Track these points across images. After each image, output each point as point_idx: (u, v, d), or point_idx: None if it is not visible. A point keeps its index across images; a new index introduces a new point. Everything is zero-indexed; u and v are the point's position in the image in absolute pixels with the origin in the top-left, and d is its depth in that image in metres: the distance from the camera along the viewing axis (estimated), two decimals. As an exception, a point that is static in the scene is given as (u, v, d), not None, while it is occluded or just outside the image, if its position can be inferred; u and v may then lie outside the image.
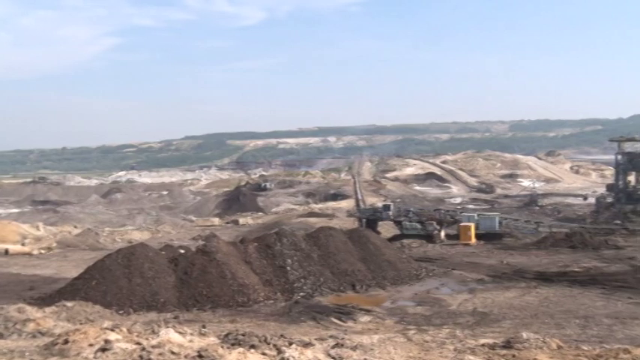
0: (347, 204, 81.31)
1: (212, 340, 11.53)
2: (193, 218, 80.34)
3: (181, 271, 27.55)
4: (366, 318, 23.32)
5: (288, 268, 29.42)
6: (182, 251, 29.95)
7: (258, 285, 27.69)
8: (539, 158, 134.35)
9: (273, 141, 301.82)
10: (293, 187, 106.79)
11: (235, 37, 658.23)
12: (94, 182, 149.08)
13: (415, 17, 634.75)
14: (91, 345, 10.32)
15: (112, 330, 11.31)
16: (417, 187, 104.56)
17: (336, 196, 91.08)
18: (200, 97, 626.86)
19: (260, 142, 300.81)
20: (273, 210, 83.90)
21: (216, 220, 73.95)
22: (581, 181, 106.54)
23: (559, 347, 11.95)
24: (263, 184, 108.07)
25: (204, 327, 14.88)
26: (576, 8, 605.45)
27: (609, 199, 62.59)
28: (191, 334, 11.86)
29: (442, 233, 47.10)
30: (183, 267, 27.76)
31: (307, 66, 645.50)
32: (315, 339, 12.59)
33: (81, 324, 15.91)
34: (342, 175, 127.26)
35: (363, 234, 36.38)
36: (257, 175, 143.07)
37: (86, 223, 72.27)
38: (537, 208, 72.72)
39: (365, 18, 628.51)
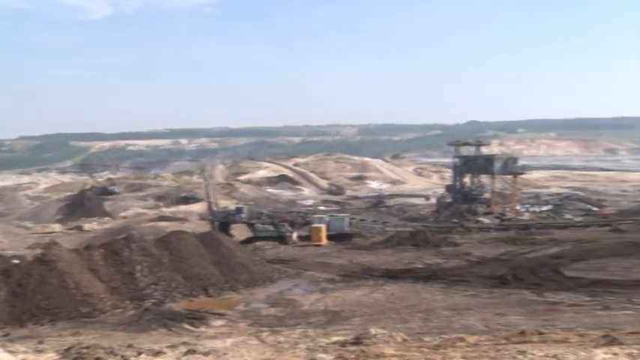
0: (199, 207, 79.79)
1: (50, 356, 10.73)
2: (30, 225, 74.38)
3: (14, 283, 25.39)
4: (219, 322, 23.03)
5: (138, 274, 28.28)
6: (15, 261, 27.64)
7: (105, 294, 26.31)
8: (386, 161, 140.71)
9: (122, 142, 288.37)
10: (143, 191, 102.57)
11: (78, 32, 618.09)
12: None
13: (267, 21, 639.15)
14: None
15: None
16: (270, 190, 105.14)
17: (188, 200, 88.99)
18: (37, 94, 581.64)
19: (107, 144, 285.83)
20: (122, 215, 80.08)
21: (57, 227, 69.16)
22: (423, 183, 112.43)
23: (404, 340, 12.54)
24: (110, 188, 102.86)
25: (40, 343, 13.81)
26: (414, 15, 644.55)
27: (448, 199, 66.69)
28: (25, 352, 10.94)
29: (294, 235, 47.80)
30: (16, 279, 25.60)
31: (158, 66, 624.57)
32: (167, 347, 12.18)
33: None
34: (195, 177, 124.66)
35: (215, 237, 35.98)
36: (104, 179, 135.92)
37: None
38: (384, 208, 75.76)
39: (217, 20, 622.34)
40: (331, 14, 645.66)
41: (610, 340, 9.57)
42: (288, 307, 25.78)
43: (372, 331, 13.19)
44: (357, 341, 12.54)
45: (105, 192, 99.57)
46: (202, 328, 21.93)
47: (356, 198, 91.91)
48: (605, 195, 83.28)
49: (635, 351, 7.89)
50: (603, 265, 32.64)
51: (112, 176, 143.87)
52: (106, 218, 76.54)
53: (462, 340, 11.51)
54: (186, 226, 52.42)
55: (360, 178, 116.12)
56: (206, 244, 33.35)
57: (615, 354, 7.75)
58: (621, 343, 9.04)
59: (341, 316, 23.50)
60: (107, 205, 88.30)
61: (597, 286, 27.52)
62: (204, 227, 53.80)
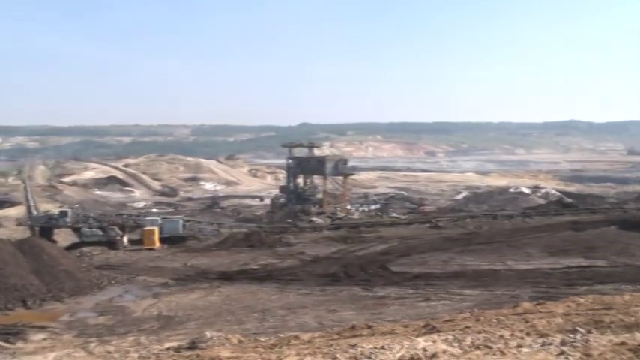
0: (16, 212, 73.11)
1: None
2: None
3: None
4: (39, 336, 21.27)
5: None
6: None
7: None
8: (220, 162, 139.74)
9: None
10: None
11: None
12: None
13: (94, 14, 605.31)
14: None
15: None
16: (98, 192, 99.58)
17: (3, 204, 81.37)
18: None
19: None
20: None
21: None
22: (258, 184, 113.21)
23: (240, 342, 12.52)
24: None
25: None
26: (245, 16, 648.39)
27: (282, 200, 67.81)
28: None
29: (125, 239, 45.66)
30: None
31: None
32: (-23, 367, 11.02)
33: None
34: (10, 179, 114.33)
35: (35, 244, 33.34)
36: None
37: None
38: (219, 210, 75.19)
39: (39, 11, 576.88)
40: (165, 12, 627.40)
41: (430, 329, 10.33)
42: (119, 315, 24.59)
43: (208, 334, 13.02)
44: (192, 345, 12.31)
45: None
46: (19, 344, 20.11)
47: (190, 200, 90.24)
48: (426, 194, 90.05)
49: (450, 337, 8.56)
50: (425, 260, 35.22)
51: None
52: None
53: (297, 337, 11.74)
54: (1, 233, 48.03)
55: (193, 180, 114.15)
56: (24, 252, 30.76)
57: (434, 341, 8.35)
58: (439, 331, 9.80)
59: (175, 321, 22.92)
60: None
61: (420, 280, 29.65)
62: (22, 233, 49.50)
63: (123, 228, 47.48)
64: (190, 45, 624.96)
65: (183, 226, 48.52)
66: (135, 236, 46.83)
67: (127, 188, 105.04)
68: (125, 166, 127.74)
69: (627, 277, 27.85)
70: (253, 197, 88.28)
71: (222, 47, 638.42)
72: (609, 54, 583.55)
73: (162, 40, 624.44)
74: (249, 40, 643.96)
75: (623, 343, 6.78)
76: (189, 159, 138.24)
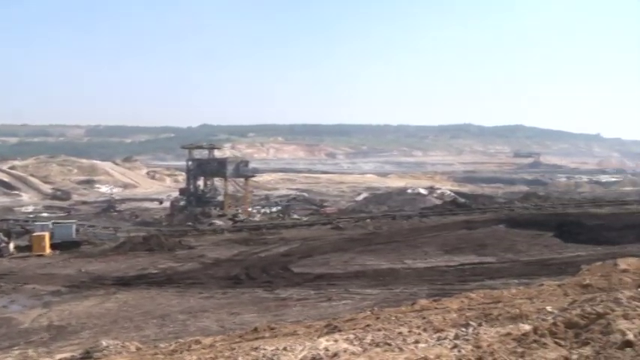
0: None
1: None
2: None
3: None
4: None
5: None
6: None
7: None
8: (117, 164, 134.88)
9: None
10: None
11: None
12: None
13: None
14: None
15: None
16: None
17: None
18: None
19: None
20: None
21: None
22: (157, 186, 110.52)
23: (138, 349, 12.14)
24: None
25: None
26: (145, 17, 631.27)
27: (182, 203, 66.54)
28: None
29: (11, 245, 42.93)
30: None
31: None
32: None
33: None
34: None
35: None
36: None
37: None
38: (115, 213, 72.71)
39: None
40: (66, 7, 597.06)
41: (332, 329, 10.48)
42: (3, 327, 23.08)
43: (104, 342, 12.51)
44: (86, 356, 11.80)
45: None
46: None
47: (84, 203, 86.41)
48: (327, 195, 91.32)
49: (351, 336, 8.72)
50: (326, 261, 35.70)
51: None
52: None
53: (198, 342, 11.56)
54: None
55: (88, 182, 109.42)
56: None
57: (336, 340, 8.47)
58: (340, 330, 9.96)
59: (68, 331, 21.85)
60: None
61: (321, 280, 30.01)
62: None
63: (8, 234, 44.60)
64: (84, 41, 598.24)
65: (77, 230, 46.39)
66: (23, 243, 44.19)
67: (14, 192, 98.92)
68: (11, 168, 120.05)
69: (514, 272, 29.66)
70: (152, 200, 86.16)
71: (120, 45, 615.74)
72: (501, 60, 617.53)
73: (53, 35, 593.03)
74: (148, 39, 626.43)
75: (508, 334, 7.18)
76: (84, 160, 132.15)
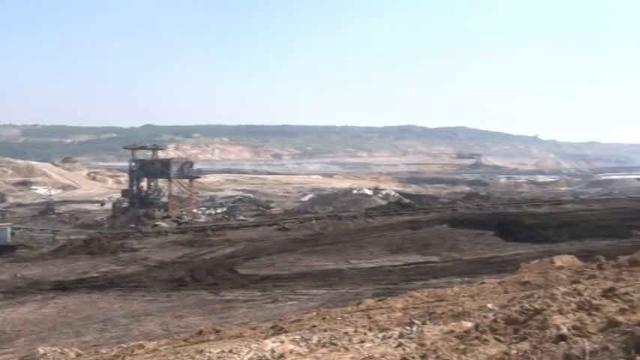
0: None
1: None
2: None
3: None
4: None
5: None
6: None
7: None
8: (56, 165, 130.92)
9: None
10: None
11: None
12: None
13: None
14: None
15: None
16: None
17: None
18: None
19: None
20: None
21: None
22: (98, 188, 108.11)
23: (78, 355, 11.80)
24: None
25: None
26: (84, 16, 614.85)
27: (125, 204, 65.31)
28: None
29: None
30: None
31: None
32: None
33: None
34: None
35: None
36: None
37: None
38: (54, 215, 70.76)
39: None
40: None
41: (277, 330, 10.46)
42: None
43: (41, 350, 12.09)
44: (23, 364, 11.39)
45: None
46: None
47: (20, 205, 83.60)
48: (273, 196, 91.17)
49: (297, 336, 8.73)
50: (272, 262, 35.60)
51: None
52: None
53: (141, 347, 11.33)
54: None
55: (24, 184, 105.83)
56: None
57: (282, 341, 8.47)
58: (287, 331, 9.95)
59: (1, 339, 21.01)
60: None
61: (267, 281, 29.91)
62: None
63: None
64: (22, 38, 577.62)
65: (12, 233, 44.79)
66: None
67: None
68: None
69: (457, 271, 30.29)
70: (93, 202, 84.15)
71: (59, 43, 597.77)
72: (443, 62, 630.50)
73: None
74: (89, 37, 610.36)
75: (451, 331, 7.34)
76: (20, 161, 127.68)
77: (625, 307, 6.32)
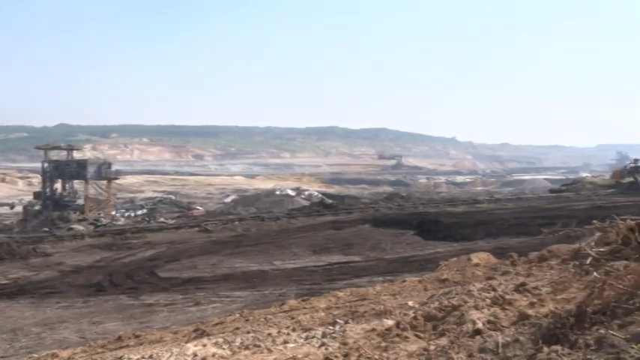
0: None
1: None
2: None
3: None
4: None
5: None
6: None
7: None
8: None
9: None
10: None
11: None
12: None
13: None
14: None
15: None
16: None
17: None
18: None
19: None
20: None
21: None
22: (7, 190, 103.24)
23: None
24: None
25: None
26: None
27: (37, 207, 62.74)
28: None
29: None
30: None
31: None
32: None
33: None
34: None
35: None
36: None
37: None
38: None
39: None
40: None
41: (200, 333, 10.31)
42: None
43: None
44: None
45: None
46: None
47: None
48: (195, 198, 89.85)
49: (220, 339, 8.65)
50: (194, 264, 35.00)
51: None
52: None
53: (55, 355, 10.91)
54: None
55: None
56: None
57: (205, 345, 8.37)
58: (209, 335, 9.83)
59: None
60: None
61: (189, 284, 29.40)
62: None
63: None
64: None
65: None
66: None
67: None
68: None
69: (379, 270, 30.80)
70: (1, 205, 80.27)
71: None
72: (365, 64, 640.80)
73: None
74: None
75: (373, 330, 7.48)
76: None
77: (534, 300, 6.66)
